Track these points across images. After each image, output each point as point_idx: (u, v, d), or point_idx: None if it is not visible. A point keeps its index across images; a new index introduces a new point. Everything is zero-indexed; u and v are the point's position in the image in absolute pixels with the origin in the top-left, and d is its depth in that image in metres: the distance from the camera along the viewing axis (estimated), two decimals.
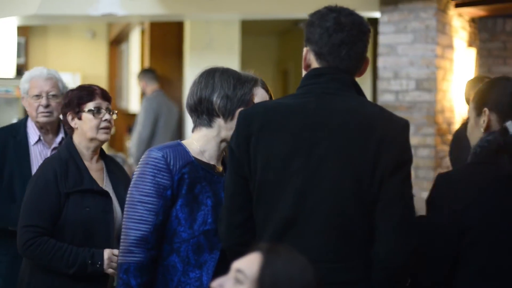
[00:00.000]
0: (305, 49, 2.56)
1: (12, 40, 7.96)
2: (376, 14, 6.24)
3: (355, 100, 2.50)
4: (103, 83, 12.19)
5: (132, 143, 8.28)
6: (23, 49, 11.37)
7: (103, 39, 12.40)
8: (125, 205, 2.73)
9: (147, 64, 9.13)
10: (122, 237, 2.70)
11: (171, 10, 6.65)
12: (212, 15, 7.32)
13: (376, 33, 6.17)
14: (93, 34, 12.24)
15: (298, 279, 1.78)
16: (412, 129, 5.89)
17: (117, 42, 12.37)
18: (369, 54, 2.58)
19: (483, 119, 2.73)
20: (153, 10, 6.62)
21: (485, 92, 2.77)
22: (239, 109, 2.71)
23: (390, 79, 6.06)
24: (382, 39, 6.08)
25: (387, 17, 6.07)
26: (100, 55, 12.41)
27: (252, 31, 9.63)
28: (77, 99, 3.37)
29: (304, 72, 2.59)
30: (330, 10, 2.51)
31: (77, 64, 11.90)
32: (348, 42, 2.48)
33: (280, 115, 2.49)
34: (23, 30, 10.71)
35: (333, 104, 2.47)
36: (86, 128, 3.37)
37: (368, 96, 8.25)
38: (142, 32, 9.75)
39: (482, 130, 2.73)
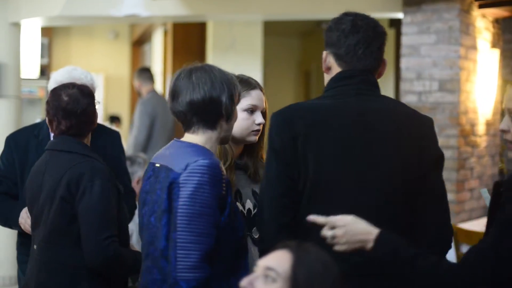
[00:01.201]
0: (324, 53, 2.69)
1: (36, 41, 8.02)
2: (399, 15, 6.22)
3: (387, 100, 2.67)
4: (125, 84, 12.25)
5: (128, 146, 8.14)
6: (47, 50, 11.46)
7: (126, 39, 12.46)
8: (180, 218, 2.52)
9: (170, 64, 9.15)
10: (181, 251, 2.51)
11: (194, 11, 6.66)
12: (235, 16, 7.33)
13: (399, 34, 6.13)
14: (116, 35, 12.30)
15: (329, 275, 1.82)
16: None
17: (140, 42, 12.42)
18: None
19: None
20: (176, 11, 6.64)
21: None
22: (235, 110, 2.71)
23: (413, 80, 6.03)
24: (405, 40, 6.05)
25: (410, 18, 6.04)
26: (123, 56, 12.47)
27: (275, 32, 9.62)
28: None
29: (325, 75, 2.71)
30: (346, 15, 2.68)
31: (100, 64, 11.97)
32: (363, 42, 2.62)
33: (324, 115, 2.58)
34: (46, 31, 10.79)
35: (371, 104, 2.60)
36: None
37: (391, 96, 8.20)
38: (165, 32, 9.77)
39: None
